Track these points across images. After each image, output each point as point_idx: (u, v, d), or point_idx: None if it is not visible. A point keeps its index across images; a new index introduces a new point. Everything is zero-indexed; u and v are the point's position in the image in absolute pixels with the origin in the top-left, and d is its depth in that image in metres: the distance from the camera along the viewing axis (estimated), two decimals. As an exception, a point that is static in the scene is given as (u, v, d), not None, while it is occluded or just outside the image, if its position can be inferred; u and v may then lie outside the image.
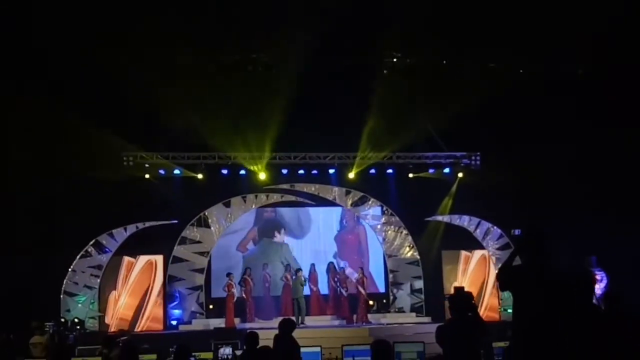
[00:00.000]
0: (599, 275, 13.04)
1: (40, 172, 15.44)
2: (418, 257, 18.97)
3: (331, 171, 18.50)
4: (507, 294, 15.90)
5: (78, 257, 16.97)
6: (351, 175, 18.28)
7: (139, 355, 7.90)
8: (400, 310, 18.69)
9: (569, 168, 15.92)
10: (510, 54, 15.88)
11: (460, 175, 18.28)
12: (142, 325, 17.08)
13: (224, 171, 17.94)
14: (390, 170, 18.49)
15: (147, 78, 14.27)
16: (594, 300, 5.01)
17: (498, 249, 18.33)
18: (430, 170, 18.45)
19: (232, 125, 16.07)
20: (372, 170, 18.37)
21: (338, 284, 17.46)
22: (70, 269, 16.87)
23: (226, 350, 9.65)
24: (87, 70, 14.47)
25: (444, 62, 16.30)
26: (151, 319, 17.25)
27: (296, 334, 8.16)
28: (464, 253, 18.59)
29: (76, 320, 15.68)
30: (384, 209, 19.33)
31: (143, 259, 17.49)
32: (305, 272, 17.62)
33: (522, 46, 15.02)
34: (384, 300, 18.90)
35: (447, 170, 18.46)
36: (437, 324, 8.35)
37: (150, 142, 16.73)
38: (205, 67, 15.74)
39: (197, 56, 15.63)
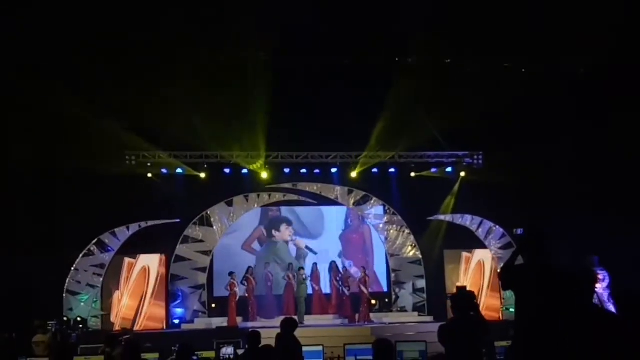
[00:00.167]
0: (602, 274, 13.01)
1: (42, 171, 15.47)
2: (420, 256, 18.97)
3: (333, 170, 18.51)
4: (509, 294, 15.89)
5: (81, 256, 17.00)
6: (353, 174, 18.30)
7: (141, 354, 7.91)
8: (403, 310, 18.70)
9: (571, 167, 15.90)
10: (512, 53, 15.88)
11: (462, 174, 18.29)
12: (140, 325, 17.08)
13: (227, 170, 17.96)
14: (392, 170, 18.50)
15: (146, 76, 14.27)
16: (595, 300, 5.00)
17: (500, 248, 18.32)
18: (433, 170, 18.45)
19: (231, 124, 16.07)
20: (375, 170, 18.38)
21: (340, 283, 17.46)
22: (72, 268, 16.90)
23: (228, 350, 9.64)
24: (87, 69, 14.46)
25: (447, 62, 16.27)
26: (148, 319, 17.27)
27: (298, 333, 8.17)
28: (464, 254, 18.58)
29: (79, 319, 15.71)
30: (386, 208, 19.34)
31: (140, 264, 17.47)
32: (307, 271, 17.64)
33: (523, 46, 15.02)
34: (386, 300, 18.91)
35: (449, 169, 18.47)
36: (439, 323, 8.34)
37: (152, 141, 16.72)
38: (205, 66, 15.72)
39: (196, 55, 15.62)
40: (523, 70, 16.62)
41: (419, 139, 17.25)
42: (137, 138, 16.40)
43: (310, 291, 17.62)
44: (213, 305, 17.97)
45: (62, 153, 15.48)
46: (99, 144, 15.43)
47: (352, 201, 19.28)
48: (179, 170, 17.68)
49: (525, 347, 4.86)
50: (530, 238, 5.08)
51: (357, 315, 17.17)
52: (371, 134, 16.91)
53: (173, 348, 10.77)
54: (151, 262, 17.61)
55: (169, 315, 17.60)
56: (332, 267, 17.87)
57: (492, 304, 17.78)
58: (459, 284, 17.27)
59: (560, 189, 16.03)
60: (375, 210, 19.44)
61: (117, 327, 16.19)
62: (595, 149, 15.35)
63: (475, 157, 18.07)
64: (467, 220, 18.75)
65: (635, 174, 14.81)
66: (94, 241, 17.18)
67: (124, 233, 17.47)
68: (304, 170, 18.47)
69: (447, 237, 18.63)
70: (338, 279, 17.57)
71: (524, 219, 16.00)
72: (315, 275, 17.79)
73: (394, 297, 18.97)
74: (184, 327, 16.93)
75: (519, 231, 16.67)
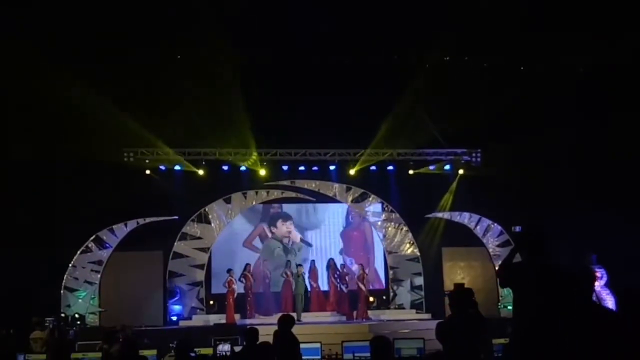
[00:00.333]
0: (599, 272, 13.04)
1: (40, 167, 15.45)
2: (418, 253, 18.98)
3: (332, 168, 18.52)
4: (506, 291, 15.96)
5: (78, 252, 16.99)
6: (352, 171, 18.31)
7: (139, 350, 7.91)
8: (400, 307, 18.72)
9: (569, 165, 15.92)
10: (512, 52, 15.88)
11: (460, 171, 18.29)
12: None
13: (225, 167, 17.96)
14: (390, 167, 18.49)
15: (145, 74, 14.27)
16: (594, 298, 5.01)
17: (498, 245, 18.33)
18: (431, 167, 18.45)
19: (227, 122, 16.08)
20: (373, 167, 18.37)
21: (338, 280, 17.47)
22: (70, 265, 16.89)
23: (225, 347, 9.66)
24: (86, 65, 14.44)
25: (446, 59, 16.27)
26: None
27: (296, 330, 8.18)
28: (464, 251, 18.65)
29: (76, 315, 15.72)
30: (385, 205, 19.35)
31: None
32: (305, 268, 17.67)
33: (523, 44, 15.03)
34: (384, 297, 18.92)
35: (447, 166, 18.48)
36: (437, 320, 8.35)
37: (150, 138, 16.70)
38: (202, 64, 15.72)
39: (194, 53, 15.62)
40: (522, 68, 16.62)
41: (417, 137, 17.25)
42: (135, 134, 16.36)
43: (308, 288, 17.61)
44: (211, 302, 17.95)
45: (60, 150, 15.48)
46: (97, 140, 15.40)
47: (350, 198, 19.29)
48: (177, 167, 17.67)
49: (523, 344, 4.86)
50: (529, 236, 5.07)
51: (355, 312, 17.18)
52: (370, 131, 16.91)
53: (171, 345, 10.81)
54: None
55: (166, 312, 17.59)
56: (330, 264, 17.86)
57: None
58: (456, 281, 17.32)
59: (558, 187, 16.04)
60: (373, 207, 19.45)
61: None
62: (594, 147, 15.37)
63: (474, 154, 18.09)
64: (465, 218, 18.77)
65: (633, 172, 14.83)
66: (92, 238, 17.17)
67: (121, 230, 17.46)
68: (302, 168, 18.47)
69: (445, 234, 18.63)
70: (336, 276, 17.57)
71: (522, 217, 16.01)
72: (313, 272, 17.80)
73: (391, 294, 18.98)
74: (182, 323, 16.91)
75: (517, 228, 16.70)
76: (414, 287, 18.95)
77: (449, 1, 13.79)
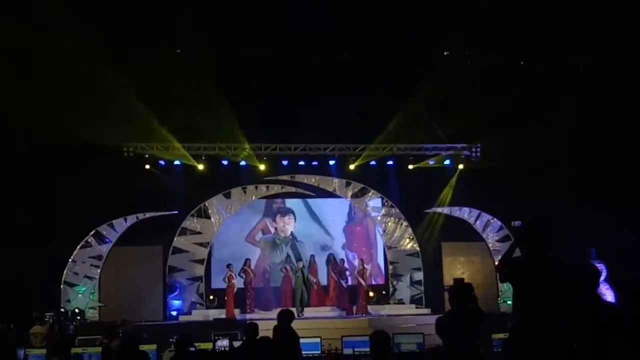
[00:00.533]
0: (599, 267, 13.04)
1: (41, 162, 15.44)
2: (418, 248, 18.99)
3: (332, 162, 18.51)
4: (506, 286, 15.99)
5: (78, 247, 17.00)
6: (352, 166, 18.31)
7: (139, 345, 7.92)
8: (400, 302, 18.74)
9: (569, 160, 15.92)
10: (513, 48, 15.87)
11: (460, 166, 18.29)
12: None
13: (224, 162, 17.95)
14: (390, 162, 18.49)
15: (145, 69, 14.26)
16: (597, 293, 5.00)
17: (498, 240, 18.34)
18: (431, 162, 18.44)
19: (227, 116, 16.09)
20: (373, 162, 18.36)
21: (338, 275, 17.49)
22: (70, 260, 16.90)
23: (223, 342, 9.68)
24: (85, 62, 14.42)
25: (446, 54, 16.24)
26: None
27: (296, 324, 8.17)
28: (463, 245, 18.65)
29: (76, 310, 15.72)
30: (384, 200, 19.35)
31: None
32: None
33: (524, 39, 15.01)
34: (384, 292, 18.94)
35: (447, 161, 18.47)
36: (436, 315, 8.36)
37: (150, 133, 16.67)
38: (200, 59, 15.72)
39: (194, 49, 15.62)
40: (522, 63, 16.59)
41: (417, 132, 17.23)
42: (135, 129, 16.34)
43: (313, 282, 17.65)
44: (211, 297, 17.97)
45: (60, 145, 15.48)
46: (96, 135, 15.38)
47: (350, 193, 19.29)
48: (176, 162, 17.65)
49: (522, 339, 4.86)
50: (529, 231, 5.05)
51: (354, 307, 17.20)
52: (369, 126, 16.89)
53: (171, 339, 10.81)
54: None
55: (166, 306, 17.61)
56: (330, 259, 17.89)
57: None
58: (456, 277, 17.31)
59: (558, 182, 16.05)
60: (373, 202, 19.45)
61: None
62: (594, 143, 15.36)
63: (474, 149, 18.07)
64: (465, 213, 18.77)
65: (632, 167, 14.82)
66: (92, 233, 17.18)
67: (121, 224, 17.46)
68: (302, 162, 18.46)
69: (444, 229, 18.64)
70: (336, 271, 17.59)
71: (522, 212, 16.02)
72: (312, 267, 17.81)
73: (391, 289, 19.00)
74: (182, 318, 16.95)
75: (517, 223, 16.71)
76: (413, 282, 18.97)
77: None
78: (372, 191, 19.27)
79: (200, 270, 18.20)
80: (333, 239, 19.12)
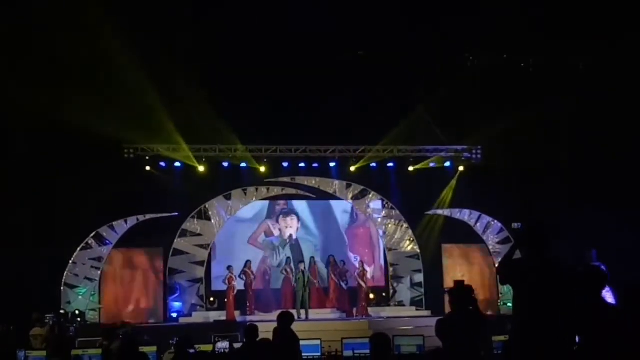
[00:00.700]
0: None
1: (41, 164, 15.45)
2: (418, 250, 18.97)
3: (332, 164, 18.50)
4: (506, 288, 15.96)
5: (79, 249, 16.97)
6: (352, 168, 18.30)
7: (139, 347, 7.92)
8: (400, 304, 18.72)
9: (570, 162, 15.92)
10: (513, 48, 15.88)
11: (461, 168, 18.28)
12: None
13: (225, 164, 17.94)
14: (391, 164, 18.48)
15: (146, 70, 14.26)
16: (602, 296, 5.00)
17: (498, 242, 18.32)
18: (431, 164, 18.43)
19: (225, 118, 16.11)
20: (373, 164, 18.35)
21: (338, 277, 17.48)
22: (70, 261, 16.87)
23: (223, 344, 9.68)
24: (85, 63, 14.43)
25: (447, 55, 16.25)
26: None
27: (296, 327, 8.17)
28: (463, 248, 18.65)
29: (77, 312, 15.70)
30: (385, 202, 19.33)
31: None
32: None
33: (524, 40, 15.02)
34: (384, 294, 18.93)
35: (448, 163, 18.46)
36: (437, 317, 8.35)
37: (150, 134, 16.68)
38: (203, 59, 15.73)
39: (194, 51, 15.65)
40: (522, 64, 16.60)
41: (417, 133, 17.23)
42: (135, 131, 16.35)
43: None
44: (211, 299, 17.96)
45: (61, 146, 15.49)
46: (97, 136, 15.39)
47: (350, 195, 19.28)
48: (177, 164, 17.65)
49: (524, 341, 4.85)
50: (532, 232, 5.05)
51: (355, 309, 17.20)
52: (370, 128, 16.87)
53: (171, 341, 10.81)
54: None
55: (166, 308, 17.60)
56: (330, 261, 17.88)
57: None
58: (456, 279, 17.30)
59: (558, 183, 16.05)
60: (373, 204, 19.43)
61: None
62: (594, 144, 15.36)
63: (474, 151, 18.07)
64: (465, 215, 18.75)
65: (632, 168, 14.82)
66: (92, 234, 17.14)
67: (122, 226, 17.44)
68: (302, 164, 18.46)
69: (445, 231, 18.62)
70: (336, 272, 17.58)
71: (523, 214, 16.02)
72: (313, 269, 17.80)
73: (391, 291, 18.99)
74: (182, 320, 16.93)
75: (517, 225, 16.70)
76: (414, 284, 18.95)
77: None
78: (372, 193, 19.25)
79: (200, 272, 18.19)
80: (335, 241, 19.10)
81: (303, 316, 16.46)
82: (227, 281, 16.70)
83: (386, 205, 19.33)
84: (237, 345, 10.05)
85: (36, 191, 15.63)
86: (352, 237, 19.38)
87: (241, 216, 18.96)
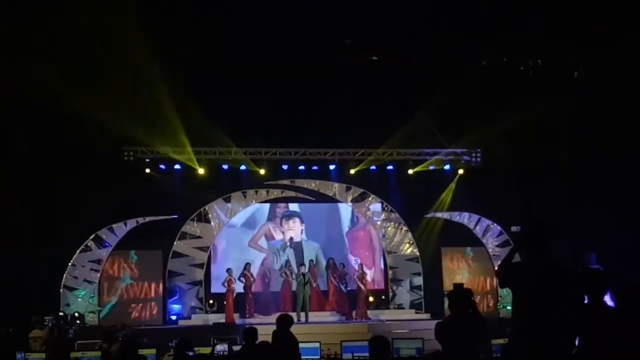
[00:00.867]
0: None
1: (41, 166, 15.45)
2: (418, 253, 18.98)
3: (332, 167, 18.51)
4: (506, 291, 15.98)
5: (78, 251, 16.96)
6: (352, 171, 18.31)
7: (138, 349, 7.92)
8: (400, 307, 18.72)
9: (569, 165, 15.93)
10: (511, 50, 15.91)
11: (460, 171, 18.29)
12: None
13: (225, 166, 17.95)
14: (390, 167, 18.49)
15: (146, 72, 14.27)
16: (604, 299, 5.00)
17: (498, 245, 18.33)
18: (431, 167, 18.44)
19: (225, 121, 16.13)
20: (373, 167, 18.37)
21: (338, 280, 17.48)
22: (70, 264, 16.86)
23: (222, 347, 9.67)
24: (85, 64, 14.44)
25: (445, 57, 16.25)
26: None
27: (295, 329, 8.18)
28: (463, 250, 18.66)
29: (76, 314, 15.69)
30: (384, 205, 19.34)
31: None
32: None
33: (523, 43, 15.05)
34: (383, 297, 18.93)
35: (447, 166, 18.47)
36: (436, 320, 8.36)
37: (150, 137, 16.68)
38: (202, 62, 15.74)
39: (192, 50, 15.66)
40: (522, 67, 16.62)
41: (417, 136, 17.23)
42: (135, 133, 16.35)
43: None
44: (210, 302, 17.94)
45: (60, 148, 15.49)
46: (97, 139, 15.40)
47: (350, 198, 19.28)
48: (177, 166, 17.66)
49: (524, 345, 4.85)
50: (532, 235, 5.04)
51: (354, 312, 17.19)
52: (369, 130, 16.89)
53: (170, 344, 10.81)
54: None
55: (166, 311, 17.59)
56: (330, 263, 17.87)
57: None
58: (456, 282, 17.30)
59: (558, 185, 16.06)
60: (373, 207, 19.43)
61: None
62: (593, 145, 15.37)
63: (474, 154, 18.08)
64: (465, 218, 18.77)
65: (632, 171, 14.82)
66: (92, 237, 17.14)
67: (121, 229, 17.43)
68: (302, 167, 18.47)
69: (444, 234, 18.62)
70: (335, 275, 17.57)
71: (522, 215, 16.02)
72: (312, 271, 17.78)
73: (391, 294, 18.98)
74: (181, 323, 16.92)
75: (516, 228, 16.71)
76: (413, 287, 18.94)
77: (446, 2, 13.79)
78: (372, 196, 19.26)
79: (200, 274, 18.18)
80: (336, 243, 19.10)
81: (303, 319, 16.45)
82: (226, 284, 16.69)
83: (386, 208, 19.34)
84: (236, 348, 10.04)
85: (36, 193, 15.62)
86: (352, 239, 19.37)
87: (241, 219, 18.95)
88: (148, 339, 12.66)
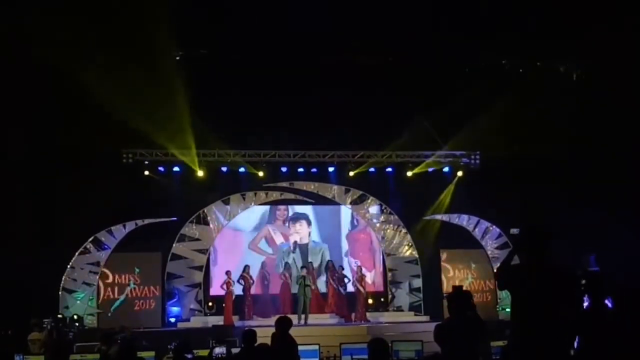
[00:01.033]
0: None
1: (40, 168, 15.45)
2: (417, 255, 18.98)
3: (330, 169, 18.51)
4: (505, 294, 15.97)
5: (77, 253, 16.96)
6: (351, 173, 18.32)
7: (137, 352, 7.90)
8: (399, 309, 18.71)
9: (569, 164, 15.94)
10: (510, 53, 15.94)
11: (459, 174, 18.30)
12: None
13: (224, 168, 17.95)
14: (389, 169, 18.51)
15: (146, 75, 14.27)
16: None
17: (497, 248, 18.34)
18: (430, 169, 18.44)
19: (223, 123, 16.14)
20: (372, 169, 18.38)
21: (337, 282, 17.47)
22: (69, 266, 16.86)
23: (221, 349, 9.64)
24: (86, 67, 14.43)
25: (444, 60, 16.27)
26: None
27: (294, 332, 8.17)
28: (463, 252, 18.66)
29: (75, 316, 15.68)
30: (383, 207, 19.34)
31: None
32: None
33: (521, 46, 15.07)
34: (382, 299, 18.91)
35: (446, 169, 18.48)
36: (435, 322, 8.35)
37: (149, 139, 16.66)
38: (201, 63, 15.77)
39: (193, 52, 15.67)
40: (521, 70, 16.65)
41: (416, 138, 17.24)
42: (134, 135, 16.33)
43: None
44: (209, 304, 17.93)
45: (61, 151, 15.49)
46: (96, 141, 15.39)
47: (349, 200, 19.28)
48: (176, 169, 17.65)
49: (523, 347, 4.85)
50: (531, 237, 5.04)
51: (353, 314, 17.17)
52: (368, 133, 16.91)
53: (169, 346, 10.78)
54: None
55: (165, 313, 17.57)
56: (329, 266, 17.86)
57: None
58: (455, 284, 17.30)
59: (557, 187, 16.07)
60: (372, 209, 19.44)
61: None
62: (592, 149, 15.39)
63: (472, 156, 18.09)
64: (464, 220, 18.77)
65: (631, 169, 14.84)
66: (90, 239, 17.14)
67: (120, 231, 17.43)
68: (301, 169, 18.47)
69: (444, 236, 18.62)
70: (335, 277, 17.56)
71: (522, 218, 16.02)
72: (311, 273, 17.75)
73: (390, 296, 18.98)
74: (180, 325, 16.88)
75: (515, 231, 16.71)
76: (412, 289, 18.94)
77: (445, 3, 13.81)
78: (371, 198, 19.27)
79: (199, 276, 18.17)
80: (335, 246, 19.09)
81: (302, 321, 16.43)
82: (225, 286, 16.67)
83: (385, 211, 19.34)
84: (235, 351, 10.02)
85: (35, 196, 15.62)
86: (352, 242, 19.36)
87: (241, 221, 18.93)
88: (147, 342, 12.67)
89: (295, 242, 18.85)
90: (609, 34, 13.28)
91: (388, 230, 19.35)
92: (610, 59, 14.45)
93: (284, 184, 19.00)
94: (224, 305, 16.71)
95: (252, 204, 18.95)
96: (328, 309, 17.69)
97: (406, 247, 19.19)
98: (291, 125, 16.60)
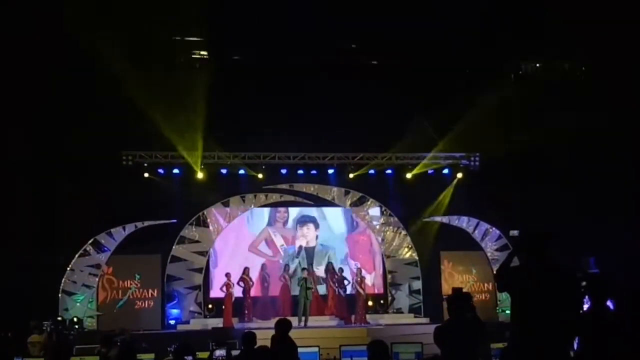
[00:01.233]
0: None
1: (40, 170, 15.45)
2: (416, 257, 18.97)
3: (330, 171, 18.50)
4: (504, 295, 15.96)
5: (77, 256, 16.95)
6: (350, 175, 18.31)
7: (137, 354, 7.90)
8: (399, 311, 18.71)
9: (569, 168, 15.94)
10: (510, 54, 15.94)
11: (459, 175, 18.29)
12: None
13: (223, 170, 17.95)
14: (389, 171, 18.50)
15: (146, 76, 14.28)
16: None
17: (497, 249, 18.33)
18: (429, 171, 18.44)
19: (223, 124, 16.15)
20: (371, 171, 18.37)
21: (336, 284, 17.46)
22: (68, 268, 16.85)
23: (221, 352, 9.64)
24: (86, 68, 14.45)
25: (442, 61, 16.28)
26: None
27: (294, 334, 8.16)
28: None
29: (74, 319, 15.67)
30: (383, 209, 19.33)
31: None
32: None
33: (520, 45, 15.08)
34: (382, 301, 18.90)
35: (446, 170, 18.48)
36: (435, 324, 8.35)
37: (149, 141, 16.68)
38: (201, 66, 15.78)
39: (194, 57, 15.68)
40: (520, 72, 16.65)
41: (416, 140, 17.24)
42: (134, 138, 16.35)
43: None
44: (209, 306, 17.92)
45: (59, 152, 15.49)
46: (96, 143, 15.40)
47: (348, 202, 19.27)
48: (175, 171, 17.65)
49: (522, 349, 4.85)
50: (530, 239, 5.04)
51: (353, 317, 17.16)
52: (368, 134, 16.90)
53: (169, 349, 10.78)
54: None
55: (164, 315, 17.56)
56: (329, 268, 17.85)
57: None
58: (455, 286, 17.30)
59: (557, 189, 16.06)
60: (371, 211, 19.43)
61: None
62: (592, 151, 15.39)
63: (472, 158, 18.09)
64: (464, 222, 18.76)
65: (631, 176, 14.85)
66: (90, 241, 17.13)
67: (120, 233, 17.42)
68: (301, 171, 18.46)
69: (443, 238, 18.61)
70: (334, 280, 17.55)
71: (521, 219, 16.03)
72: (311, 275, 17.75)
73: (390, 298, 18.97)
74: (180, 327, 16.89)
75: (515, 232, 16.70)
76: (412, 291, 18.93)
77: (444, 3, 13.82)
78: (370, 200, 19.26)
79: (198, 279, 18.16)
80: (335, 248, 19.07)
81: (302, 323, 16.41)
82: (225, 288, 16.66)
83: (384, 212, 19.33)
84: (235, 353, 10.01)
85: (35, 198, 15.63)
86: (352, 244, 19.35)
87: (241, 223, 18.92)
88: (146, 344, 12.65)
89: (300, 247, 18.81)
90: (609, 34, 13.29)
91: (388, 232, 19.34)
92: (611, 59, 14.46)
93: (284, 186, 18.99)
94: (223, 307, 16.70)
95: (252, 206, 18.95)
96: (328, 311, 17.68)
97: (406, 249, 19.18)
98: (291, 127, 16.59)
